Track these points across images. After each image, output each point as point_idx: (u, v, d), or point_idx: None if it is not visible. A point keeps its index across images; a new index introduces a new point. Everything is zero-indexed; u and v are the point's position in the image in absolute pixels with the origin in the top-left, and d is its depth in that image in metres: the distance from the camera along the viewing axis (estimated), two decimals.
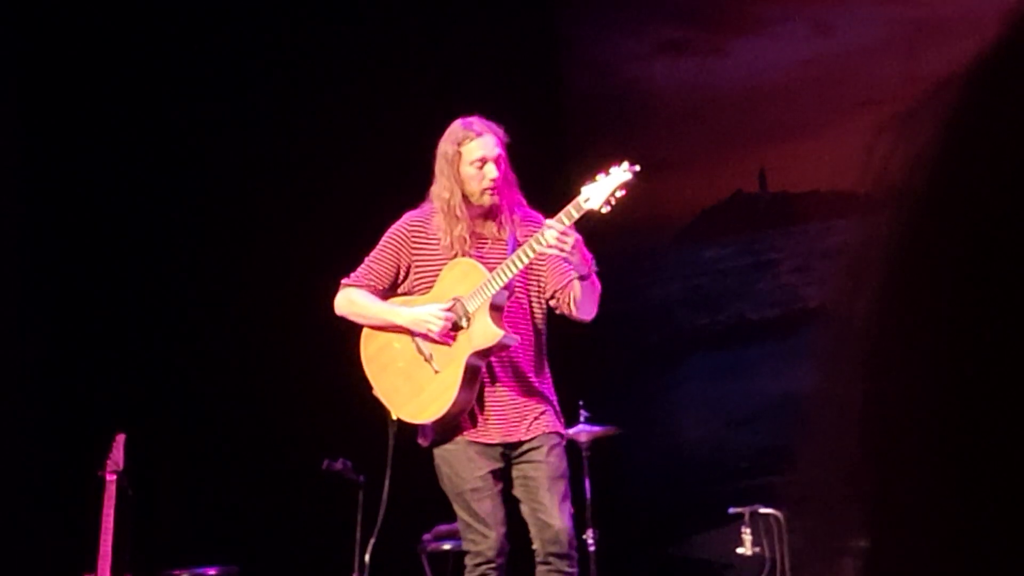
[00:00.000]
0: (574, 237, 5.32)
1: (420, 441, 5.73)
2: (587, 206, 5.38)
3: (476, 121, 5.62)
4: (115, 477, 7.59)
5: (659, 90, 8.85)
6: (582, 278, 5.43)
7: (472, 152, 5.53)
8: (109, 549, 7.44)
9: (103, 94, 8.83)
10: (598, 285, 5.52)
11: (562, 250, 5.30)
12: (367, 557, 6.34)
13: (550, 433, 5.57)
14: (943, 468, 0.62)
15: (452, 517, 6.32)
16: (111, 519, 7.48)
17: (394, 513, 7.55)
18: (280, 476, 8.49)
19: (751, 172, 8.68)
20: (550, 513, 5.48)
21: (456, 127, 5.63)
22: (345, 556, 7.44)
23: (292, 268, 8.61)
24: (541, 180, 5.98)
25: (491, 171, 5.49)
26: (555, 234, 5.30)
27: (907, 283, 0.64)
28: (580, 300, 5.47)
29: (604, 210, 5.40)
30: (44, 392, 8.73)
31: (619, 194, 5.40)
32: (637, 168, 5.43)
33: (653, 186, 7.91)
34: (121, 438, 7.70)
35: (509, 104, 8.39)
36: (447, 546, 7.12)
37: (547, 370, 5.67)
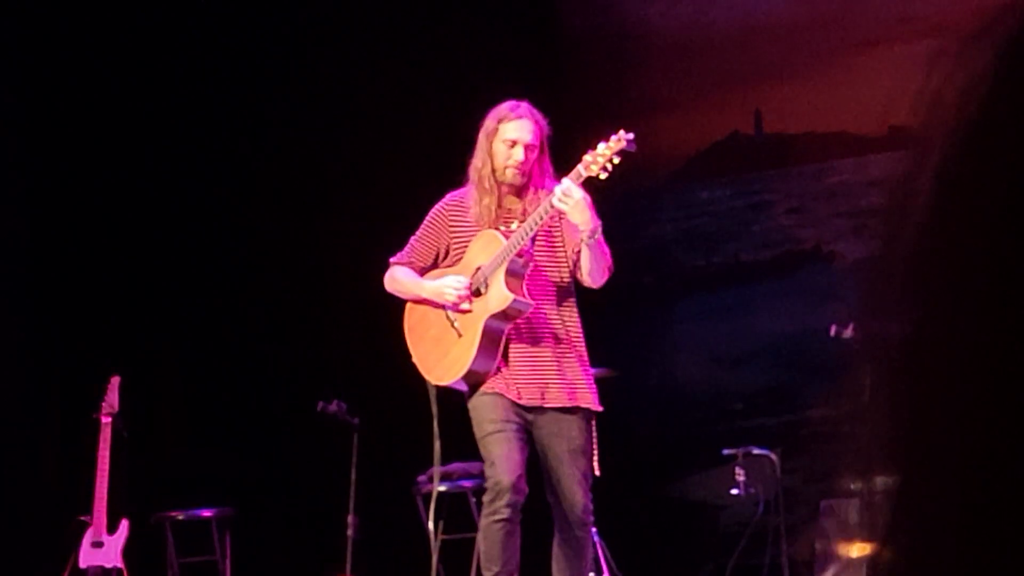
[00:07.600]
0: (580, 194, 5.58)
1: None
2: (587, 173, 5.68)
3: (523, 106, 5.90)
4: (110, 419, 7.60)
5: (655, 29, 8.81)
6: (587, 238, 5.66)
7: (507, 131, 5.84)
8: (105, 491, 7.45)
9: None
10: (605, 250, 5.76)
11: (565, 203, 5.59)
12: (431, 525, 6.47)
13: (574, 408, 5.82)
14: (981, 406, 0.61)
15: (445, 459, 6.38)
16: (106, 461, 7.49)
17: (389, 455, 7.58)
18: (275, 418, 8.50)
19: (747, 113, 8.65)
20: (569, 487, 5.81)
21: (503, 105, 5.92)
22: (339, 498, 7.47)
23: (284, 210, 8.59)
24: None
25: (518, 153, 5.81)
26: (562, 187, 5.61)
27: (956, 211, 0.63)
28: (588, 266, 5.74)
29: (602, 176, 5.70)
30: (39, 335, 8.72)
31: (616, 160, 5.71)
32: (632, 136, 5.73)
33: (648, 126, 7.88)
34: (116, 380, 7.70)
35: (506, 43, 8.37)
36: (441, 487, 7.13)
37: (578, 342, 5.90)
